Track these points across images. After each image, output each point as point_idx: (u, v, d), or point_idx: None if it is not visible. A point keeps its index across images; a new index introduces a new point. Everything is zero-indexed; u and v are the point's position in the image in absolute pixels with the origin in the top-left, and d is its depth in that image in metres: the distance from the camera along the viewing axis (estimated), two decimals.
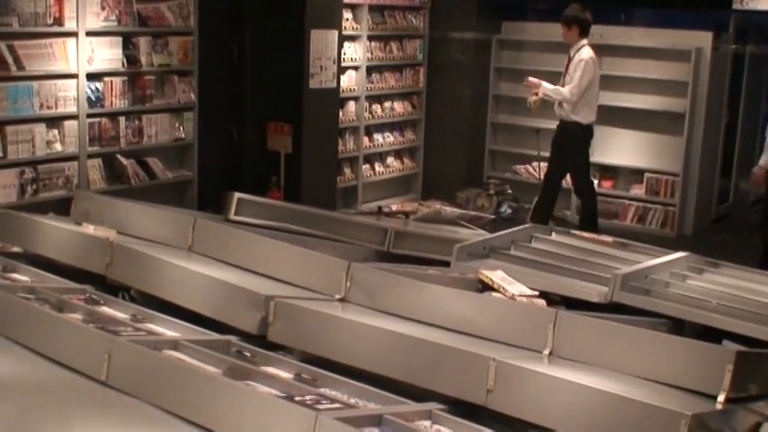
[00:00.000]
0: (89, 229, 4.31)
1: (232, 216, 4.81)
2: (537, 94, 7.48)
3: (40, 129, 6.27)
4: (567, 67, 7.48)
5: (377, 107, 9.16)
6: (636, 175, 8.93)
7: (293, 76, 7.69)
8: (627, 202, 8.91)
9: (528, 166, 9.26)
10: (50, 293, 3.54)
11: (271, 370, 2.98)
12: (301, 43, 7.59)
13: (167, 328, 3.34)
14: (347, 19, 8.50)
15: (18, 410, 2.68)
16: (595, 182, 9.00)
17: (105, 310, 3.51)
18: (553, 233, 4.98)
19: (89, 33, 6.45)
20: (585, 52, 7.35)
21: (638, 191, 8.88)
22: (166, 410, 2.69)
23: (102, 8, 6.52)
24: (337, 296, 3.57)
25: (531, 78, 7.63)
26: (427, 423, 2.66)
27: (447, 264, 4.34)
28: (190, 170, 7.33)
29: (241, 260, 3.92)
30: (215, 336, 3.27)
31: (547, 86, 7.44)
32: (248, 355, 3.09)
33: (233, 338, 3.23)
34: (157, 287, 3.64)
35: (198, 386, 2.70)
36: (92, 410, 2.78)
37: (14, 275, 3.91)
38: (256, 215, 4.83)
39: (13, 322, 3.26)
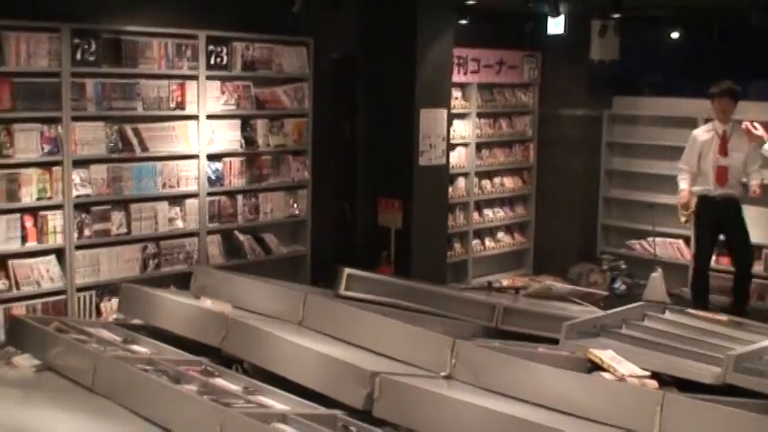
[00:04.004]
0: (206, 303, 4.49)
1: (342, 291, 4.92)
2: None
3: (163, 206, 6.55)
4: (724, 144, 7.20)
5: (486, 182, 9.20)
6: (755, 251, 8.64)
7: (403, 153, 7.83)
8: None
9: (643, 242, 9.08)
10: (168, 365, 3.69)
11: None
12: (411, 122, 7.74)
13: (276, 401, 3.43)
14: (456, 97, 8.62)
15: None
16: (713, 258, 8.76)
17: (219, 381, 3.64)
18: (667, 311, 4.89)
19: (209, 116, 6.74)
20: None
21: (757, 267, 8.58)
22: None
23: (222, 92, 6.82)
24: (443, 373, 3.59)
25: (749, 124, 6.82)
26: None
27: (556, 341, 4.31)
28: (303, 245, 7.51)
29: (349, 335, 4.01)
30: (322, 410, 3.34)
31: None
32: (354, 429, 3.15)
33: (339, 413, 3.29)
34: (269, 361, 3.75)
35: None
36: None
37: (134, 347, 4.10)
38: (366, 290, 4.92)
39: (133, 393, 3.41)
